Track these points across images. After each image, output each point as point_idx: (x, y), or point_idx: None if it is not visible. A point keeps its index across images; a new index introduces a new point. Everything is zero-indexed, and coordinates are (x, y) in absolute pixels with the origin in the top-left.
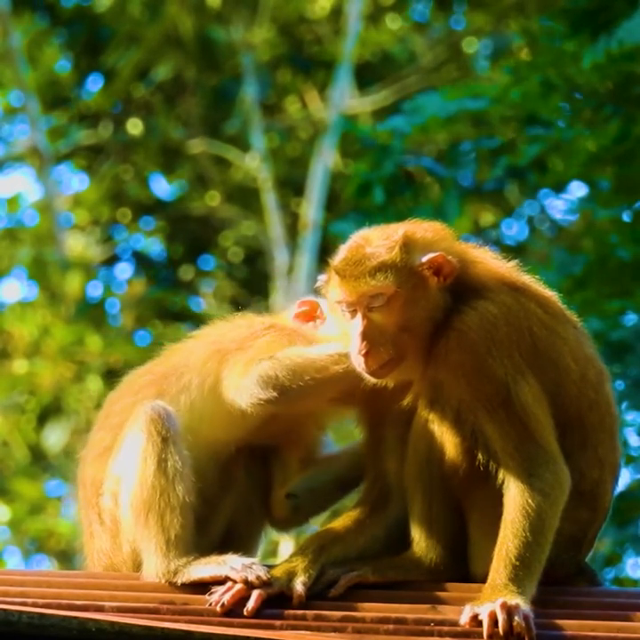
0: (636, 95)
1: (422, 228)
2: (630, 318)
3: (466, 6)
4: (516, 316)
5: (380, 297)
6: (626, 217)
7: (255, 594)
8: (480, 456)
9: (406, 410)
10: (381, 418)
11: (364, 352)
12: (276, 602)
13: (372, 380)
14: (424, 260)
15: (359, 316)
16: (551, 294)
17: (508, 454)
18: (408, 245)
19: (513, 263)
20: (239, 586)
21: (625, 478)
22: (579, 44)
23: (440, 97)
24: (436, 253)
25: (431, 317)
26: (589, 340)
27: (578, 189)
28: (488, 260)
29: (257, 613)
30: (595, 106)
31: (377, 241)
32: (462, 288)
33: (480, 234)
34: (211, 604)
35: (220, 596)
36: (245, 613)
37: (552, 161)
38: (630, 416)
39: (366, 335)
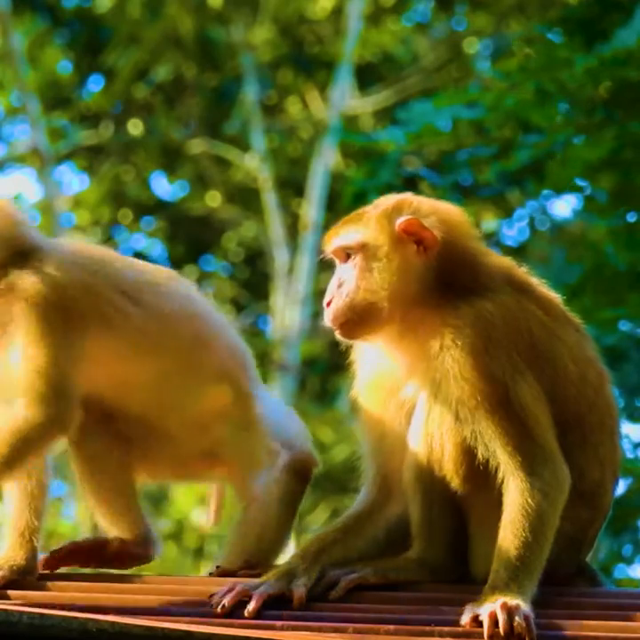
0: (630, 100)
1: (434, 204)
2: (625, 326)
3: (467, 7)
4: (516, 317)
5: (352, 250)
6: (622, 222)
7: (256, 595)
8: (480, 455)
9: (406, 409)
10: (381, 416)
11: (325, 303)
12: (277, 603)
13: (339, 337)
14: (399, 221)
15: (337, 268)
16: (554, 297)
17: (507, 453)
18: (400, 209)
19: (520, 265)
20: (240, 587)
21: (621, 486)
22: (572, 49)
23: (434, 104)
24: (410, 216)
25: (404, 290)
26: (591, 343)
27: (575, 198)
28: (495, 259)
29: (257, 614)
30: (588, 111)
31: (380, 202)
32: (465, 283)
33: (480, 234)
34: (212, 606)
35: (220, 598)
36: (246, 614)
37: (549, 167)
38: (626, 426)
39: (333, 287)
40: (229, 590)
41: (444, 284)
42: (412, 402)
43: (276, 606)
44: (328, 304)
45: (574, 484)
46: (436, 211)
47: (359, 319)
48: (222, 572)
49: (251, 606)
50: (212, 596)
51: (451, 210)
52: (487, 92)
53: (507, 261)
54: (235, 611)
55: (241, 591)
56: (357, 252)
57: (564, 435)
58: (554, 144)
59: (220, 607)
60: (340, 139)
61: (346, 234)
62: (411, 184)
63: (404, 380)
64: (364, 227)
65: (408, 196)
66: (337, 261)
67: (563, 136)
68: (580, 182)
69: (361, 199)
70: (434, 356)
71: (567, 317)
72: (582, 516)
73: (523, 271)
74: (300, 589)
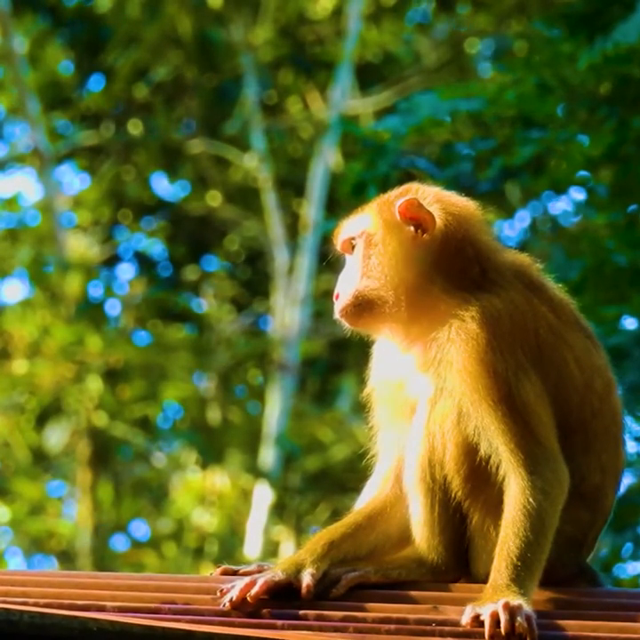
0: (632, 97)
1: (441, 193)
2: (628, 323)
3: (468, 7)
4: (523, 316)
5: (354, 240)
6: (623, 217)
7: (261, 580)
8: (482, 452)
9: (411, 404)
10: (392, 412)
11: (335, 296)
12: (278, 602)
13: (346, 326)
14: (399, 203)
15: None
16: (567, 300)
17: (509, 451)
18: (403, 195)
19: (536, 264)
20: (247, 579)
21: (623, 484)
22: (575, 45)
23: (436, 96)
24: (410, 197)
25: (404, 276)
26: (601, 350)
27: (576, 192)
28: (510, 255)
29: (257, 614)
30: (590, 107)
31: (388, 193)
32: (473, 277)
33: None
34: (224, 605)
35: (229, 594)
36: (249, 599)
37: (549, 163)
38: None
39: (342, 278)
40: (237, 583)
41: (449, 275)
42: (417, 397)
43: (277, 605)
44: (337, 297)
45: (575, 486)
46: (441, 199)
47: (364, 308)
48: (223, 572)
49: (254, 590)
50: (223, 593)
51: (459, 201)
52: (489, 84)
53: (522, 259)
54: (242, 604)
55: (248, 582)
56: (359, 240)
57: (566, 438)
58: (555, 140)
59: (229, 601)
60: (341, 131)
61: (350, 225)
62: (410, 179)
63: (411, 374)
64: (366, 215)
65: (415, 183)
66: (346, 255)
67: (564, 132)
68: (582, 177)
69: (360, 191)
70: (439, 348)
71: (578, 322)
72: (583, 517)
73: (538, 271)
74: (307, 578)
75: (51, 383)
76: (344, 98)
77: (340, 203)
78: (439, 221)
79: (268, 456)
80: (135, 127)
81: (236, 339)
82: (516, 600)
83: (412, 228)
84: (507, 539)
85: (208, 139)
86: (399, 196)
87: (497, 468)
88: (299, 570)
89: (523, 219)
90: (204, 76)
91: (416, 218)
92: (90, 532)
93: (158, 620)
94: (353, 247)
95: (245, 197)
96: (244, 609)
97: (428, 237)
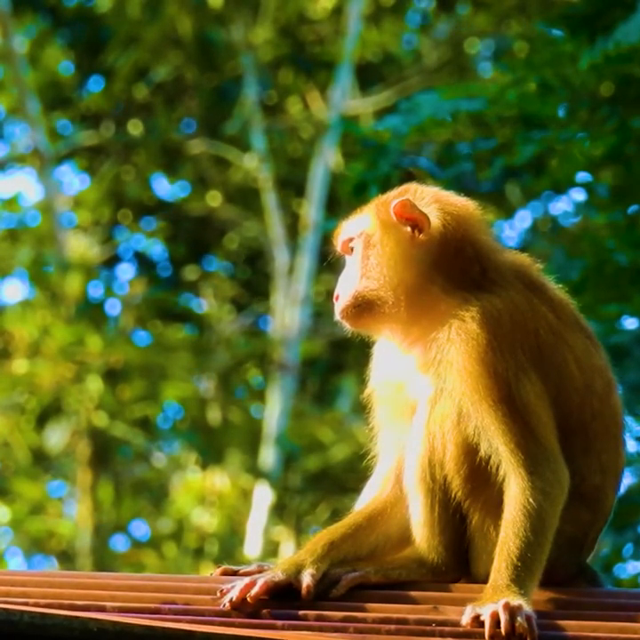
0: (633, 97)
1: (439, 193)
2: (629, 323)
3: (468, 8)
4: (523, 316)
5: (354, 241)
6: (624, 217)
7: (261, 581)
8: (483, 452)
9: (411, 405)
10: (392, 413)
11: (335, 297)
12: (278, 602)
13: (347, 327)
14: (393, 204)
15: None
16: (568, 301)
17: (509, 451)
18: (400, 196)
19: (536, 264)
20: (247, 579)
21: (623, 483)
22: (576, 45)
23: (437, 96)
24: (405, 198)
25: (402, 277)
26: (601, 351)
27: (577, 193)
28: (510, 255)
29: (257, 614)
30: (591, 107)
31: (386, 194)
32: (473, 276)
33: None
34: (224, 605)
35: (229, 594)
36: (248, 599)
37: (550, 163)
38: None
39: (342, 280)
40: (237, 584)
41: (449, 274)
42: (418, 398)
43: (278, 605)
44: (337, 298)
45: (576, 487)
46: (439, 199)
47: (363, 309)
48: (223, 572)
49: (254, 591)
50: (223, 593)
51: (458, 201)
52: (490, 84)
53: (523, 259)
54: (242, 604)
55: (248, 583)
56: (358, 241)
57: (566, 439)
58: (556, 140)
59: (228, 601)
60: (341, 131)
61: (349, 226)
62: (412, 179)
63: (411, 375)
64: (364, 215)
65: (414, 184)
66: (346, 256)
67: (565, 132)
68: (583, 177)
69: (362, 191)
70: (439, 348)
71: (578, 323)
72: (583, 517)
73: (538, 271)
74: (307, 579)
75: (51, 383)
76: (344, 98)
77: (340, 203)
78: (437, 221)
79: (268, 456)
80: (135, 127)
81: (236, 339)
82: (517, 600)
83: (408, 229)
84: (507, 539)
85: (208, 139)
86: (396, 197)
87: (497, 468)
88: (299, 570)
89: (523, 219)
90: (204, 76)
91: (411, 218)
92: (90, 531)
93: (158, 620)
94: (352, 248)
95: (245, 197)
96: (244, 609)
97: (425, 237)
